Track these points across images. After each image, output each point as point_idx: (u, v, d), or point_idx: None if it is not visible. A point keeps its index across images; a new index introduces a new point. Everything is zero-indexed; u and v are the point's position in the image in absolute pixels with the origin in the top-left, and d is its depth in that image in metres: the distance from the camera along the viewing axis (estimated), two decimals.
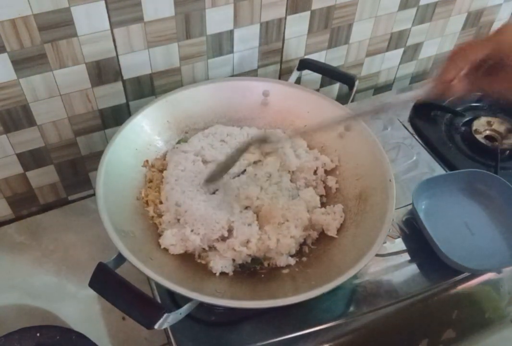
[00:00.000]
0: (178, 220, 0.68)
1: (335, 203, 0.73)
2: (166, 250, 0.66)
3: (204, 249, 0.67)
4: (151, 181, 0.73)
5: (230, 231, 0.66)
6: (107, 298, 0.54)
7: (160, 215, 0.70)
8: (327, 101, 0.78)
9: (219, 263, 0.64)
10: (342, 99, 0.83)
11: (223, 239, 0.66)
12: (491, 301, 0.77)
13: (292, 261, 0.67)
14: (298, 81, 0.89)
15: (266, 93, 0.80)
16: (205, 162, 0.74)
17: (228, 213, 0.67)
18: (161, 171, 0.74)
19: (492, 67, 0.53)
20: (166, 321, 0.52)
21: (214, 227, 0.65)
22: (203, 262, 0.66)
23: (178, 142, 0.78)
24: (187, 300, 0.56)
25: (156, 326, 0.52)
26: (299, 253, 0.69)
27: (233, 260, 0.66)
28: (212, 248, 0.67)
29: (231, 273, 0.65)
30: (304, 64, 0.84)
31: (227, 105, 0.80)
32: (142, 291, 0.54)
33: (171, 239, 0.65)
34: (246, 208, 0.70)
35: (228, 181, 0.71)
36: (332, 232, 0.69)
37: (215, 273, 0.64)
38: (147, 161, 0.74)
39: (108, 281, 0.55)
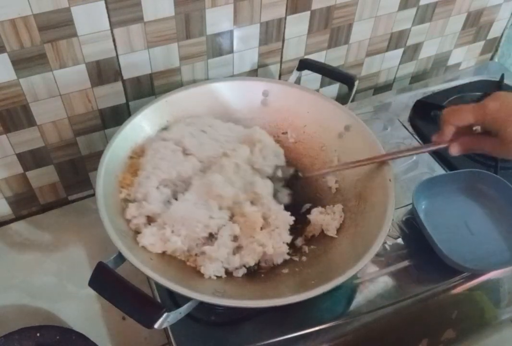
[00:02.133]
0: (147, 217, 0.65)
1: (334, 203, 0.73)
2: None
3: (187, 251, 0.65)
4: (131, 167, 0.70)
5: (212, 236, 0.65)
6: (107, 297, 0.54)
7: (128, 200, 0.67)
8: (327, 101, 0.78)
9: (210, 268, 0.63)
10: (342, 99, 0.83)
11: (208, 243, 0.65)
12: (491, 301, 0.77)
13: (287, 256, 0.67)
14: (298, 81, 0.89)
15: (266, 93, 0.80)
16: (185, 153, 0.71)
17: (207, 211, 0.65)
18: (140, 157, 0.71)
19: (482, 132, 0.59)
20: (166, 320, 0.52)
21: (196, 226, 0.64)
22: (192, 265, 0.65)
23: (160, 130, 0.75)
24: (187, 299, 0.56)
25: (156, 326, 0.52)
26: (299, 253, 0.69)
27: (226, 269, 0.64)
28: (200, 252, 0.65)
29: (224, 276, 0.64)
30: (304, 64, 0.84)
31: (227, 105, 0.80)
32: (142, 291, 0.53)
33: (149, 239, 0.63)
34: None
35: (201, 178, 0.69)
36: (331, 232, 0.69)
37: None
38: None
39: (108, 281, 0.54)
